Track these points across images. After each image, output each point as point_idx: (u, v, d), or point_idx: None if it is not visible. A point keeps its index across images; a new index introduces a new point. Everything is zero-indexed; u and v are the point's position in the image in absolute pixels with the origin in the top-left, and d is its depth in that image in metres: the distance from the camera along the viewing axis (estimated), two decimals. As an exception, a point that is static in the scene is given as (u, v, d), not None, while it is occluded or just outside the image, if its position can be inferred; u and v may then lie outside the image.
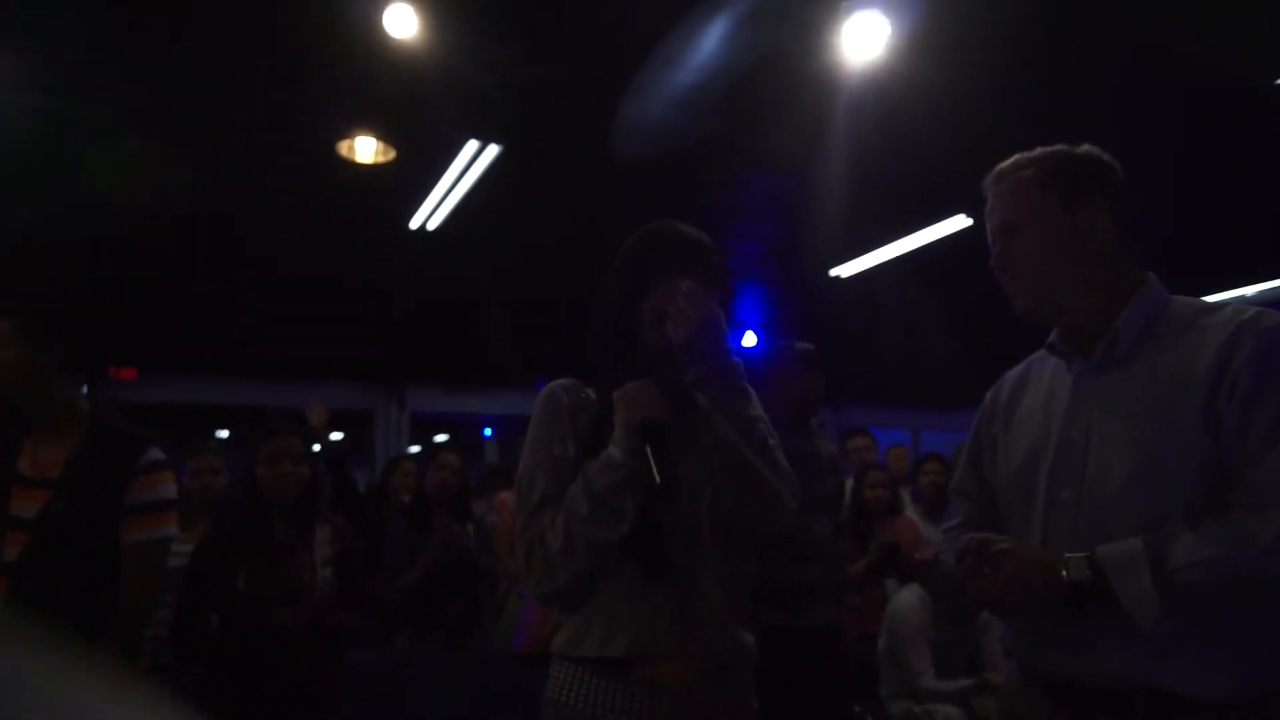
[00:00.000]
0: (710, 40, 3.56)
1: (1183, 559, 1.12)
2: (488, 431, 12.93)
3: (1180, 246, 5.80)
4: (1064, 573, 1.19)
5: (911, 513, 4.21)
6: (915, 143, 4.33)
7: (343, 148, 4.44)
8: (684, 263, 1.38)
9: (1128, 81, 3.89)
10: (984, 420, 1.51)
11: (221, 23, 3.40)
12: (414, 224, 5.37)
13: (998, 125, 4.19)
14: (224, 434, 13.87)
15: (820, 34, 3.55)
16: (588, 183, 4.88)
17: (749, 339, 7.67)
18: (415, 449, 11.00)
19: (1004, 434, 1.45)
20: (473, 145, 4.41)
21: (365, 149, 4.47)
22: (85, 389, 2.08)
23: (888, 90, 3.83)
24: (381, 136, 4.39)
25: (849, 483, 3.84)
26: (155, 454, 2.02)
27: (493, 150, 4.46)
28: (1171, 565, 1.13)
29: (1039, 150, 1.38)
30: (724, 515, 1.36)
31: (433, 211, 5.22)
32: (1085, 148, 1.38)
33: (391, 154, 4.52)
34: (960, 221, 5.47)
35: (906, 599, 3.47)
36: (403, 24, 3.40)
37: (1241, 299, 6.77)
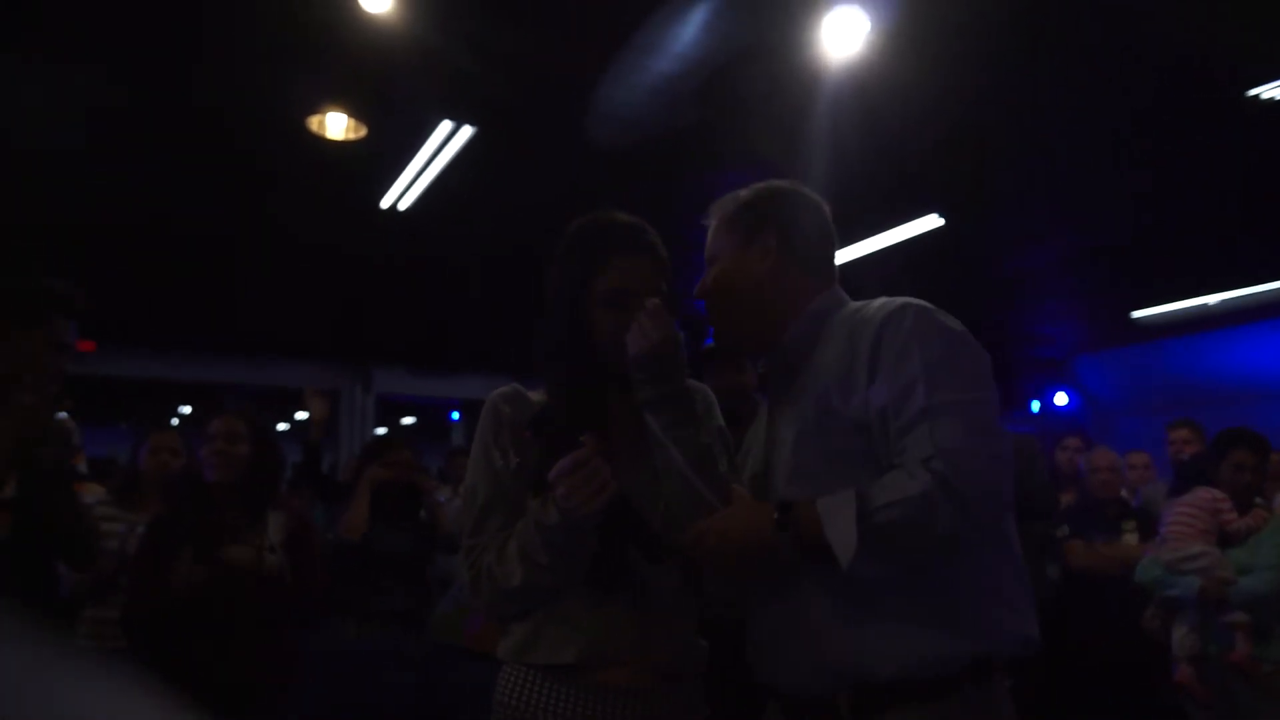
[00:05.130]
0: (690, 29, 3.53)
1: (880, 500, 1.14)
2: (455, 415, 12.85)
3: (1155, 244, 5.89)
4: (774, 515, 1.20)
5: None
6: (891, 140, 4.33)
7: (313, 123, 4.35)
8: (636, 247, 1.39)
9: (1105, 81, 3.91)
10: None
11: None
12: (384, 203, 5.29)
13: (976, 124, 4.21)
14: (186, 409, 13.68)
15: (799, 29, 3.53)
16: (562, 170, 4.84)
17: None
18: (381, 430, 10.90)
19: None
20: (447, 125, 4.35)
21: (336, 125, 4.38)
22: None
23: (866, 87, 3.83)
24: (353, 113, 4.31)
25: None
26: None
27: (467, 131, 4.40)
28: (871, 506, 1.14)
29: None
30: (671, 537, 1.35)
31: (404, 191, 5.13)
32: None
33: (363, 131, 4.43)
34: (932, 221, 5.49)
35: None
36: (377, -2, 3.33)
37: (1203, 306, 6.88)
